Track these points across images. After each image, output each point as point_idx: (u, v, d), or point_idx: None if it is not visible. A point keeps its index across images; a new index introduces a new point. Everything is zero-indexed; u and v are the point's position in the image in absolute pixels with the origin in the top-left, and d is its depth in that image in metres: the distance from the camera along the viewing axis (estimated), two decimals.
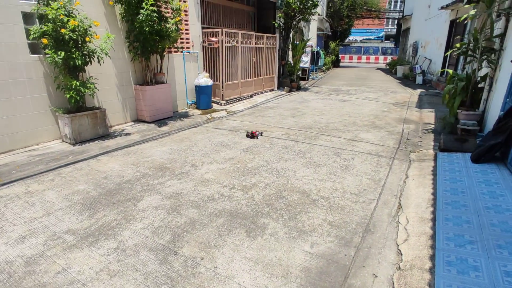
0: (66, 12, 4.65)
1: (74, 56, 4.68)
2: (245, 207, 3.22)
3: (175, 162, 4.45)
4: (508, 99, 4.64)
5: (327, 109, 8.29)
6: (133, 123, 6.55)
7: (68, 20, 4.60)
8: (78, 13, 4.90)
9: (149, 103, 6.49)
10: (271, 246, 2.60)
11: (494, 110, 5.24)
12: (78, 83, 4.82)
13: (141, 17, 5.55)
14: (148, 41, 5.92)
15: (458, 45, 5.82)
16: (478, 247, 2.48)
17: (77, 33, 4.68)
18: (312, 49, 15.93)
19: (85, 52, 4.94)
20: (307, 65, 15.09)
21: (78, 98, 4.88)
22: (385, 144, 5.38)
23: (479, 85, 5.92)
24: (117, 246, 2.56)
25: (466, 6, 9.53)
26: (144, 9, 5.54)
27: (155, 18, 5.67)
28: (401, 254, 2.52)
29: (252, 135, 5.61)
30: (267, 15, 11.19)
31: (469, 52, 5.77)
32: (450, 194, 3.39)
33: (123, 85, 6.33)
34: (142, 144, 5.26)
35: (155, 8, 5.65)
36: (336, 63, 25.62)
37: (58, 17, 4.47)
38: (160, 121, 6.68)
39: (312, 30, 18.49)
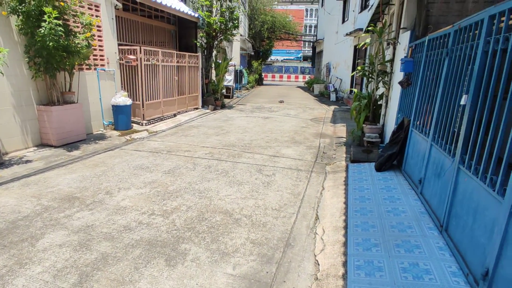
0: None
1: None
2: (165, 233, 3.06)
3: (86, 190, 4.02)
4: (399, 115, 5.41)
5: (250, 127, 8.53)
6: (36, 148, 5.77)
7: None
8: None
9: (56, 125, 5.81)
10: (192, 273, 2.50)
11: (390, 124, 6.05)
12: None
13: (43, 31, 5.00)
14: (54, 57, 5.35)
15: (359, 67, 6.62)
16: (381, 248, 2.77)
17: None
18: (235, 68, 16.39)
19: None
20: (231, 83, 15.43)
21: None
22: (304, 159, 5.73)
23: (378, 102, 6.80)
24: None
25: (364, 34, 10.98)
26: (47, 22, 5.02)
27: (60, 33, 5.16)
28: (318, 264, 2.66)
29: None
30: (189, 34, 11.19)
31: (368, 74, 6.62)
32: (359, 202, 3.75)
33: (21, 106, 5.56)
34: (46, 172, 4.64)
35: (60, 22, 5.17)
36: (259, 81, 26.77)
37: None
38: (71, 145, 6.02)
39: (235, 50, 19.08)
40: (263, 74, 29.07)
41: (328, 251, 2.82)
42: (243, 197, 3.95)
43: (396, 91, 5.80)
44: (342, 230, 3.13)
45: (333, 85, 17.00)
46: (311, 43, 35.46)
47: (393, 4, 6.82)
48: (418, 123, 4.11)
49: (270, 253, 2.81)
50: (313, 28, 49.07)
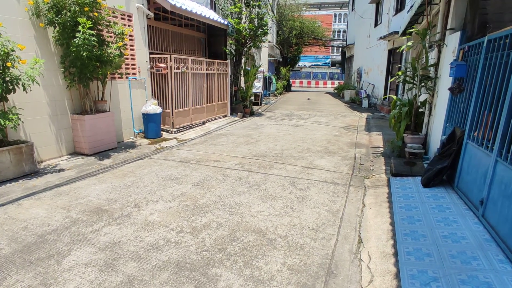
0: None
1: None
2: (194, 254, 2.83)
3: (115, 202, 3.91)
4: (447, 124, 4.90)
5: (281, 135, 8.24)
6: (69, 156, 5.83)
7: None
8: (0, 35, 4.29)
9: (88, 134, 5.85)
10: None
11: (435, 134, 5.52)
12: None
13: (77, 41, 5.05)
14: (87, 66, 5.39)
15: (399, 73, 6.15)
16: (443, 284, 2.36)
17: None
18: (264, 75, 16.23)
19: (7, 79, 4.30)
20: (260, 90, 15.27)
21: None
22: (340, 171, 5.35)
23: (420, 110, 6.27)
24: None
25: (402, 37, 10.40)
26: (81, 33, 5.06)
27: (93, 43, 5.20)
28: None
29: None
30: (218, 42, 11.16)
31: (409, 80, 6.13)
32: (407, 223, 3.33)
33: (57, 115, 5.65)
34: (77, 182, 4.61)
35: (93, 32, 5.20)
36: (287, 88, 26.47)
37: None
38: (102, 153, 6.04)
39: (263, 57, 18.97)
40: (290, 80, 28.75)
41: (378, 284, 2.46)
42: (276, 214, 3.65)
43: (442, 98, 5.29)
44: (392, 258, 2.75)
45: (365, 91, 16.35)
46: (340, 48, 34.73)
47: (436, 4, 6.31)
48: (475, 134, 3.63)
49: (310, 282, 2.49)
50: (341, 33, 48.24)
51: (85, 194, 4.16)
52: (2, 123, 4.21)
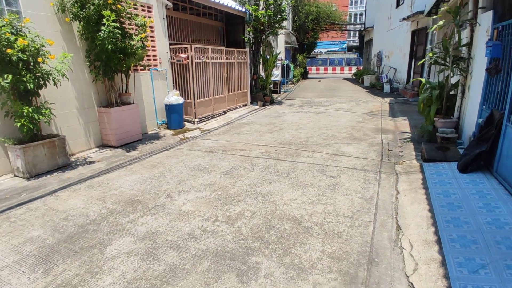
0: (13, 30, 4.10)
1: (24, 79, 4.12)
2: (232, 243, 2.84)
3: (147, 193, 3.97)
4: (484, 106, 4.67)
5: (303, 123, 8.13)
6: (97, 149, 5.96)
7: (16, 39, 4.06)
8: (29, 31, 4.36)
9: (115, 126, 5.95)
10: None
11: (469, 117, 5.29)
12: (31, 110, 4.24)
13: (102, 34, 5.09)
14: (112, 59, 5.44)
15: (430, 54, 5.88)
16: (491, 270, 2.27)
17: (27, 53, 4.14)
18: (282, 62, 16.00)
19: (38, 74, 4.39)
20: (278, 78, 15.08)
21: (31, 126, 4.30)
22: (368, 157, 5.23)
23: (451, 93, 6.01)
24: None
25: (427, 17, 9.94)
26: (106, 26, 5.08)
27: (118, 35, 5.22)
28: None
29: None
30: (236, 30, 11.03)
31: (440, 61, 5.86)
32: (447, 210, 3.22)
33: (84, 108, 5.76)
34: (108, 174, 4.72)
35: (117, 25, 5.22)
36: (304, 75, 26.02)
37: (3, 35, 3.92)
38: (129, 145, 6.14)
39: (280, 44, 18.65)
40: (307, 67, 28.23)
41: (423, 272, 2.39)
42: (309, 202, 3.61)
43: (477, 79, 5.03)
44: (435, 245, 2.67)
45: (386, 75, 15.85)
46: (357, 33, 33.70)
47: None
48: None
49: (352, 270, 2.45)
50: (358, 16, 46.76)
51: (117, 185, 4.25)
52: (36, 118, 4.32)
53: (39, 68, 4.38)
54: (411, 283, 2.30)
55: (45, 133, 4.96)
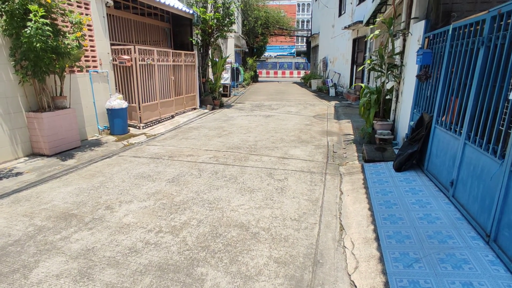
0: None
1: None
2: (176, 255, 2.71)
3: (84, 205, 3.65)
4: (415, 110, 5.10)
5: (253, 126, 8.18)
6: (27, 158, 5.35)
7: None
8: None
9: (47, 133, 5.40)
10: None
11: (402, 120, 5.74)
12: None
13: (29, 31, 4.58)
14: (42, 59, 4.93)
15: (368, 61, 6.29)
16: (424, 264, 2.45)
17: None
18: (232, 66, 16.00)
19: None
20: (228, 81, 15.04)
21: None
22: (315, 159, 5.40)
23: (387, 97, 6.49)
24: None
25: (366, 27, 10.66)
26: (33, 22, 4.60)
27: (48, 33, 4.75)
28: (355, 286, 2.34)
29: None
30: (184, 32, 10.76)
31: (377, 68, 6.29)
32: (385, 207, 3.43)
33: (9, 113, 5.14)
34: (39, 186, 4.25)
35: (47, 21, 4.74)
36: (255, 78, 26.37)
37: None
38: (65, 153, 5.62)
39: (230, 47, 18.65)
40: (257, 70, 28.65)
41: (364, 269, 2.50)
42: (257, 207, 3.60)
43: (409, 85, 5.49)
44: (374, 243, 2.81)
45: (331, 80, 16.70)
46: (305, 38, 35.09)
47: None
48: (443, 119, 3.80)
49: (298, 274, 2.48)
50: (305, 23, 48.72)
51: (49, 199, 3.84)
52: None
53: None
54: (353, 281, 2.39)
55: None
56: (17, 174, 4.64)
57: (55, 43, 4.98)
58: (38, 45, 4.65)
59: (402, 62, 6.01)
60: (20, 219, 3.33)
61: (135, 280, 2.39)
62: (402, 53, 6.02)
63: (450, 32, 3.72)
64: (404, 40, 5.98)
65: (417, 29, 5.19)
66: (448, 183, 3.46)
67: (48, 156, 5.44)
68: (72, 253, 2.72)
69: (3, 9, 4.62)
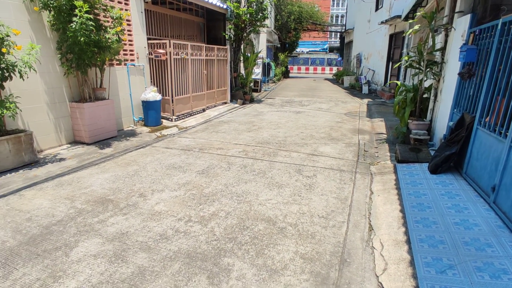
0: None
1: None
2: (204, 244, 2.78)
3: (119, 192, 3.84)
4: (455, 110, 4.83)
5: (282, 122, 8.15)
6: (69, 145, 5.72)
7: None
8: None
9: (88, 122, 5.73)
10: None
11: (441, 120, 5.46)
12: None
13: (74, 26, 4.87)
14: (85, 52, 5.22)
15: (405, 58, 6.02)
16: (459, 271, 2.33)
17: None
18: (263, 61, 15.98)
19: (3, 66, 4.13)
20: (259, 76, 15.06)
21: None
22: (345, 157, 5.29)
23: (425, 96, 6.19)
24: None
25: (404, 21, 10.19)
26: (78, 17, 4.87)
27: (91, 27, 5.01)
28: None
29: None
30: (217, 27, 10.89)
31: (415, 65, 6.01)
32: (417, 210, 3.30)
33: (55, 103, 5.50)
34: (79, 172, 4.53)
35: (91, 16, 5.01)
36: (286, 74, 26.17)
37: None
38: (102, 142, 5.93)
39: (262, 42, 18.63)
40: (288, 66, 28.40)
41: (393, 272, 2.43)
42: (285, 202, 3.61)
43: (449, 83, 5.20)
44: (405, 245, 2.72)
45: (365, 76, 16.19)
46: (339, 34, 34.22)
47: None
48: (487, 120, 3.57)
49: (324, 271, 2.46)
50: (340, 18, 47.49)
51: (88, 184, 4.08)
52: (0, 112, 4.07)
53: (3, 59, 4.13)
54: (381, 283, 2.34)
55: (10, 128, 4.69)
56: (61, 159, 4.97)
57: (97, 37, 5.25)
58: (82, 39, 4.92)
59: (442, 59, 5.70)
60: (63, 201, 3.58)
61: (165, 265, 2.49)
62: (443, 50, 5.70)
63: (499, 27, 3.47)
64: (446, 35, 5.66)
65: (462, 23, 4.89)
66: (489, 189, 3.25)
67: (87, 144, 5.77)
68: (108, 236, 2.89)
69: (51, 5, 4.93)
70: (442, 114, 5.39)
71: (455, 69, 4.86)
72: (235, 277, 2.37)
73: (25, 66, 4.29)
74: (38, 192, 3.81)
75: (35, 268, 2.45)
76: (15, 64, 4.24)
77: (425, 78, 5.84)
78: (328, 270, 2.47)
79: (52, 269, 2.43)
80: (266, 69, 17.73)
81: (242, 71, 12.40)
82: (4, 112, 4.13)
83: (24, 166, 4.58)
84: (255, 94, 13.40)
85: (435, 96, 5.89)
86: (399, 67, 11.48)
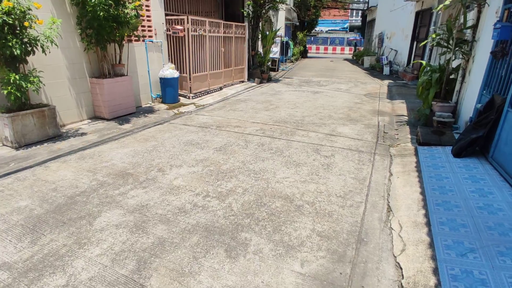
0: None
1: (10, 44, 3.94)
2: (222, 219, 2.83)
3: (139, 166, 3.92)
4: (484, 91, 4.60)
5: (300, 102, 8.02)
6: (90, 121, 5.84)
7: (0, 1, 3.84)
8: None
9: (107, 98, 5.81)
10: (256, 268, 2.24)
11: (468, 102, 5.23)
12: (18, 77, 4.09)
13: (93, 0, 4.85)
14: (104, 28, 5.22)
15: (433, 35, 5.73)
16: (480, 255, 2.28)
17: (13, 16, 3.93)
18: (281, 39, 15.62)
19: (25, 40, 4.19)
20: (277, 55, 14.76)
21: (19, 94, 4.15)
22: (364, 138, 5.19)
23: (451, 77, 5.91)
24: (67, 283, 2.06)
25: None
26: None
27: (110, 2, 4.98)
28: (401, 269, 2.26)
29: None
30: (235, 3, 10.63)
31: (443, 43, 5.71)
32: (439, 193, 3.22)
33: (76, 78, 5.59)
34: (100, 146, 4.64)
35: None
36: (304, 54, 25.54)
37: None
38: (121, 118, 6.03)
39: (280, 20, 18.12)
40: (307, 46, 27.65)
41: (411, 253, 2.40)
42: (302, 181, 3.59)
43: (480, 63, 4.93)
44: (424, 228, 2.67)
45: (386, 57, 15.59)
46: (360, 12, 32.84)
47: None
48: None
49: (341, 249, 2.46)
50: None
51: (108, 158, 4.18)
52: (24, 86, 4.17)
53: (26, 33, 4.18)
54: (398, 263, 2.32)
55: (34, 102, 4.81)
56: (82, 134, 5.09)
57: (116, 12, 5.22)
58: (101, 13, 4.91)
59: (474, 37, 5.38)
60: (85, 173, 3.69)
61: (183, 238, 2.55)
62: (475, 27, 5.38)
63: None
64: (479, 12, 5.32)
65: None
66: None
67: (107, 119, 5.88)
68: (129, 208, 2.97)
69: None
70: (469, 96, 5.16)
71: (487, 48, 4.58)
72: (252, 251, 2.41)
73: (47, 40, 4.34)
74: (62, 164, 3.94)
75: (61, 235, 2.56)
76: (38, 38, 4.29)
77: (453, 58, 5.56)
78: (345, 248, 2.47)
79: (77, 236, 2.54)
80: (284, 48, 17.35)
81: (260, 49, 12.18)
82: (29, 86, 4.22)
83: (48, 140, 4.73)
84: (272, 73, 13.18)
85: (463, 77, 5.61)
86: (424, 47, 10.97)
